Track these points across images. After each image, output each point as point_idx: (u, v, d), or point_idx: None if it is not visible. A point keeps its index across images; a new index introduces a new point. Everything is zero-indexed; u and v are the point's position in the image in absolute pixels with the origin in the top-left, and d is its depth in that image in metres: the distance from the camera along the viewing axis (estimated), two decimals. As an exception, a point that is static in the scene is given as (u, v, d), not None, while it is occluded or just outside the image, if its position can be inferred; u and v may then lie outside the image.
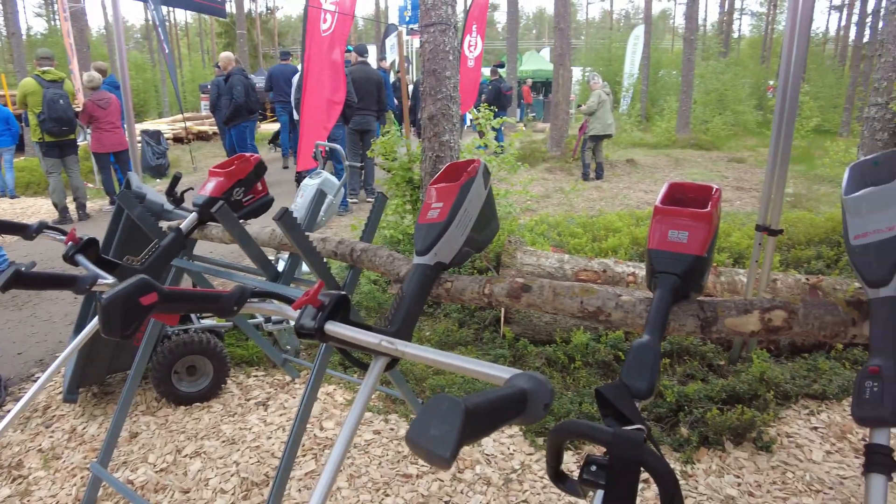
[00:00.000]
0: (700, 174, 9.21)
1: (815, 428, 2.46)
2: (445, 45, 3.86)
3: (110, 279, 1.69)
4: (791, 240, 4.23)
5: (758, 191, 7.36)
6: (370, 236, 1.83)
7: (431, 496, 2.24)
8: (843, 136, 15.47)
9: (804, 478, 2.17)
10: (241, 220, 2.13)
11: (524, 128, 17.53)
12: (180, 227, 2.09)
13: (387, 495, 2.26)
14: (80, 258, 1.89)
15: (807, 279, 3.48)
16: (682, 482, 2.21)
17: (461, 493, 2.25)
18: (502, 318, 3.37)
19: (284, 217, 1.54)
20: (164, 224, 2.36)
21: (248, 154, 2.16)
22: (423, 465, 2.38)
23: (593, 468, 0.89)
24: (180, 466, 2.50)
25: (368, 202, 6.68)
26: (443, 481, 2.31)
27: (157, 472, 2.47)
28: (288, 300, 1.23)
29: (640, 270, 3.63)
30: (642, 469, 0.87)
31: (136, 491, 2.35)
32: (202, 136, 15.37)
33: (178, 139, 14.59)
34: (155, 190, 2.85)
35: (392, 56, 4.88)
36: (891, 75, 4.58)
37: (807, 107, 11.50)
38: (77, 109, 7.39)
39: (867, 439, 0.97)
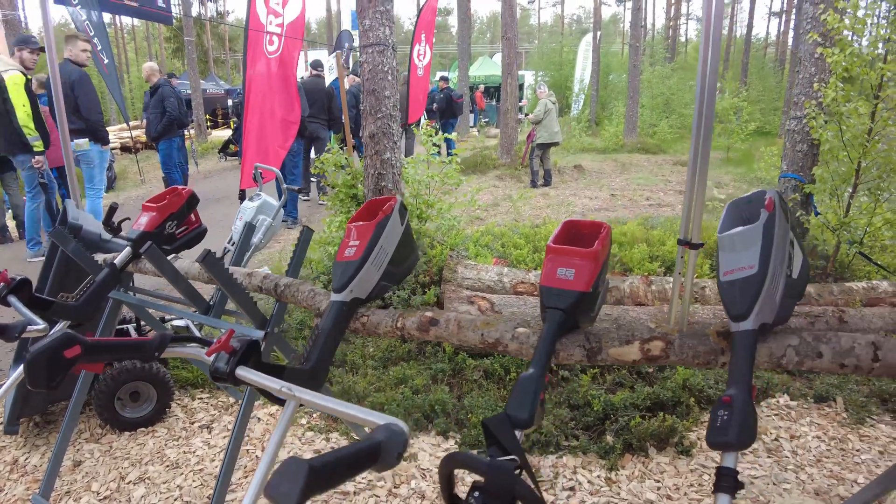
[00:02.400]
0: (644, 178, 9.56)
1: (730, 429, 2.65)
2: (384, 66, 3.95)
3: (40, 324, 1.71)
4: (719, 247, 4.48)
5: (696, 196, 7.70)
6: (296, 271, 1.91)
7: (370, 513, 2.33)
8: (782, 138, 16.22)
9: (716, 478, 2.34)
10: (175, 252, 2.19)
11: (477, 134, 17.74)
12: (115, 262, 2.12)
13: (326, 514, 2.34)
14: (13, 299, 1.90)
15: (729, 286, 3.71)
16: (605, 488, 2.35)
17: (398, 509, 2.34)
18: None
19: (207, 259, 1.61)
20: (100, 257, 2.38)
21: (180, 187, 2.21)
22: (360, 482, 2.47)
23: (476, 494, 1.00)
24: (124, 493, 2.51)
25: (322, 205, 6.77)
26: (378, 497, 2.39)
27: (100, 500, 2.48)
28: (206, 343, 1.30)
29: (577, 281, 3.80)
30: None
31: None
32: (151, 146, 15.01)
33: (125, 148, 14.23)
34: (92, 218, 2.84)
35: (331, 76, 4.92)
36: (808, 90, 4.89)
37: (745, 111, 12.03)
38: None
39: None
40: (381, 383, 3.20)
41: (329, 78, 5.35)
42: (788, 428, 2.71)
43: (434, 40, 11.26)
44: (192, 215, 2.23)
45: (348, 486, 2.46)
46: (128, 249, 2.10)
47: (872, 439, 2.65)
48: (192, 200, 2.20)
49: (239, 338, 1.21)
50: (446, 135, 5.07)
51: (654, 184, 9.05)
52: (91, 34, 10.23)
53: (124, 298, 2.26)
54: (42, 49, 5.86)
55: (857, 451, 2.60)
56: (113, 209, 2.46)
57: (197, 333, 3.26)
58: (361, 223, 1.67)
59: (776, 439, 2.64)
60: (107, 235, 2.66)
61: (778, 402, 2.93)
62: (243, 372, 1.15)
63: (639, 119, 15.10)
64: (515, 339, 1.41)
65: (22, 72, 5.51)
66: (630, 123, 14.41)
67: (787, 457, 2.51)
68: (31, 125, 5.46)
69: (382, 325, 1.59)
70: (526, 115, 11.68)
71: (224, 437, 2.93)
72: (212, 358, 1.21)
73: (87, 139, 5.69)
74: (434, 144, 4.74)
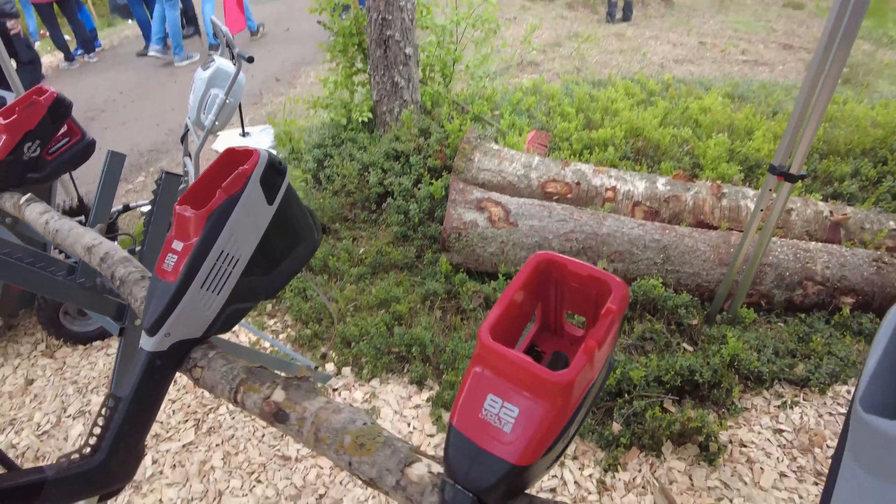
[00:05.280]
0: (744, 23, 7.68)
1: (780, 431, 2.03)
2: None
3: None
4: (826, 145, 3.40)
5: (809, 51, 6.11)
6: (102, 215, 1.29)
7: (307, 486, 1.96)
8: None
9: (742, 511, 1.79)
10: (50, 179, 1.62)
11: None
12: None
13: (259, 482, 1.99)
14: None
15: (830, 212, 2.80)
16: (593, 497, 1.86)
17: (339, 483, 1.96)
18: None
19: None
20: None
21: (39, 92, 1.55)
22: (302, 449, 2.08)
23: None
24: (62, 429, 2.27)
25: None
26: (321, 468, 2.01)
27: (39, 434, 2.25)
28: None
29: (624, 184, 2.98)
30: None
31: (16, 460, 2.15)
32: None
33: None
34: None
35: None
36: None
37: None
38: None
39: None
40: (362, 300, 2.69)
41: None
42: None
43: None
44: (65, 126, 1.60)
45: (291, 451, 2.08)
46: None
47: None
48: (59, 108, 1.54)
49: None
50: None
51: (754, 31, 7.26)
52: None
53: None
54: None
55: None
56: None
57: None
58: (188, 211, 0.96)
59: (829, 458, 2.01)
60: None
61: None
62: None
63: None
64: (401, 489, 0.77)
65: None
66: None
67: None
68: None
69: (219, 390, 0.99)
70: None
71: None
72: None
73: None
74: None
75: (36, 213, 1.33)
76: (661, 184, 2.96)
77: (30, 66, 5.34)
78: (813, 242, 2.61)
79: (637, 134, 3.65)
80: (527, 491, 0.69)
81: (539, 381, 0.60)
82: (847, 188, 3.05)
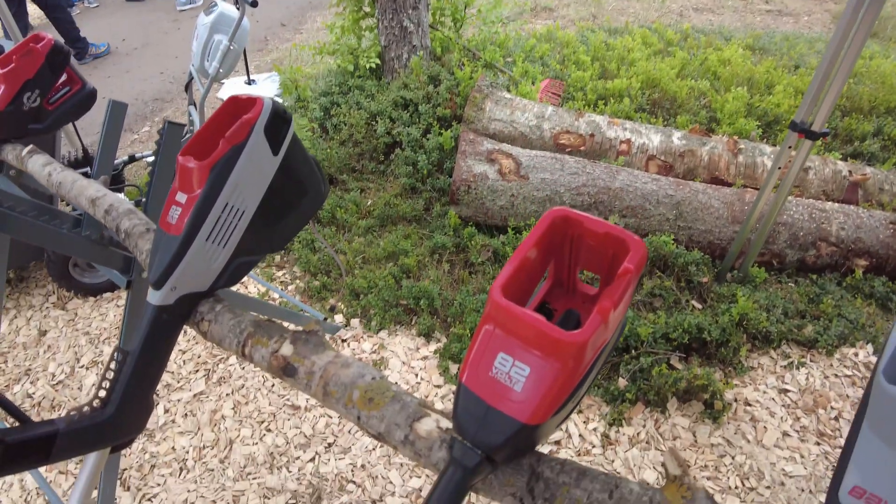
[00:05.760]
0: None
1: (785, 391, 2.04)
2: None
3: None
4: (849, 102, 3.28)
5: (836, 1, 5.83)
6: (106, 166, 1.26)
7: (316, 435, 2.00)
8: None
9: (742, 467, 1.82)
10: (52, 129, 1.57)
11: None
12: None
13: (269, 430, 2.03)
14: None
15: (849, 172, 2.73)
16: (597, 450, 1.90)
17: (348, 432, 2.00)
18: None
19: None
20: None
21: (35, 38, 1.48)
22: (311, 399, 2.11)
23: None
24: (76, 379, 2.30)
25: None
26: (330, 417, 2.05)
27: (54, 384, 2.29)
28: None
29: (638, 137, 2.91)
30: None
31: (33, 409, 2.20)
32: None
33: None
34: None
35: None
36: None
37: None
38: None
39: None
40: (370, 252, 2.68)
41: None
42: None
43: None
44: (65, 75, 1.54)
45: (300, 401, 2.12)
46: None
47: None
48: (57, 56, 1.48)
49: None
50: None
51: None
52: None
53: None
54: None
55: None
56: None
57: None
58: (192, 162, 0.93)
59: (835, 418, 2.03)
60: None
61: None
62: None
63: None
64: (410, 444, 0.76)
65: None
66: None
67: None
68: None
69: (226, 343, 0.98)
70: None
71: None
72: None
73: None
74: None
75: (39, 164, 1.30)
76: (677, 138, 2.89)
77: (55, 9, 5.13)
78: (829, 203, 2.56)
79: (653, 85, 3.54)
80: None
81: (552, 341, 0.57)
82: (868, 147, 2.96)
